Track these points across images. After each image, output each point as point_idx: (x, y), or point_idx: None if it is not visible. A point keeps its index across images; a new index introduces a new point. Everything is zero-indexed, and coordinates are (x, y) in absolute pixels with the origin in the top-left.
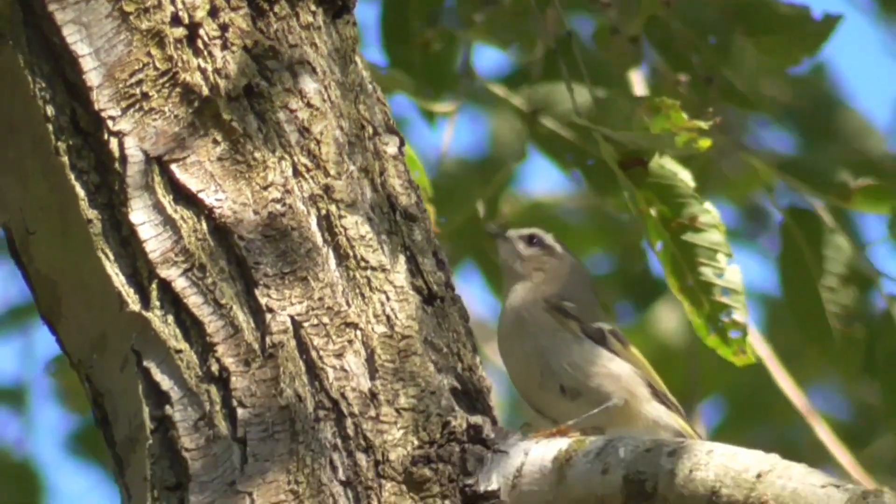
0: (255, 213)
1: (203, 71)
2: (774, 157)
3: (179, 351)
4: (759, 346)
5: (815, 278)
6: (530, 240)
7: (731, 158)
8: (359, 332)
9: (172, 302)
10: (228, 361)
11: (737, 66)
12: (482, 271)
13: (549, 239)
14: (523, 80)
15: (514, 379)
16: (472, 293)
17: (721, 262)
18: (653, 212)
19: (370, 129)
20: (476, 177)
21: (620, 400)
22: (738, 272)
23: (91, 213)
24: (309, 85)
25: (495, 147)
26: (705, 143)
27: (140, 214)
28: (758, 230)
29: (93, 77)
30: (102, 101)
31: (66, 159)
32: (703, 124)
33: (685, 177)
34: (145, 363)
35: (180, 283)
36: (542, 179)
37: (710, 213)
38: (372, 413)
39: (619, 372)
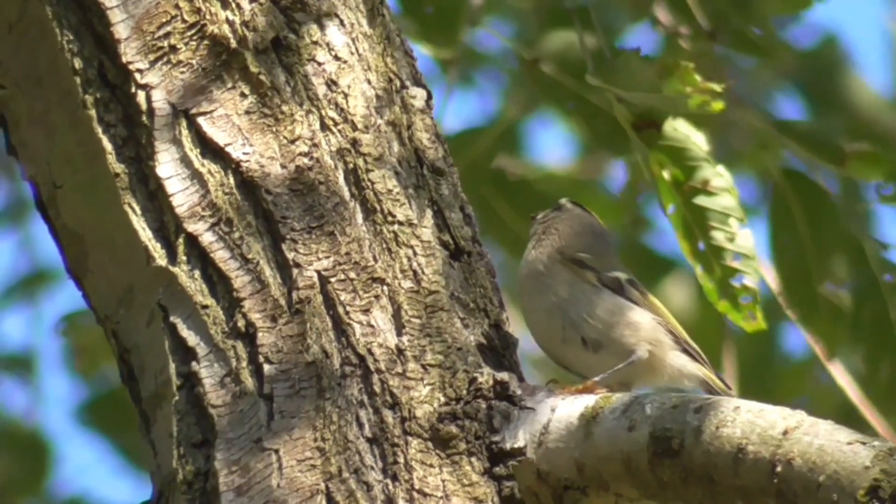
0: (283, 166)
1: (231, 23)
2: (775, 120)
3: (206, 306)
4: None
5: (804, 241)
6: (556, 207)
7: (738, 127)
8: (385, 288)
9: (199, 257)
10: (255, 317)
11: (749, 15)
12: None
13: (563, 201)
14: (526, 30)
15: (535, 334)
16: None
17: (733, 226)
18: (665, 174)
19: (398, 83)
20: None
21: (645, 352)
22: (749, 237)
23: (118, 167)
24: (337, 37)
25: (499, 99)
26: (718, 105)
27: (167, 168)
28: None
29: (121, 29)
30: (130, 53)
31: (93, 112)
32: (717, 86)
33: (698, 140)
34: (172, 318)
35: (207, 238)
36: (550, 152)
37: (722, 176)
38: (398, 369)
39: (641, 321)
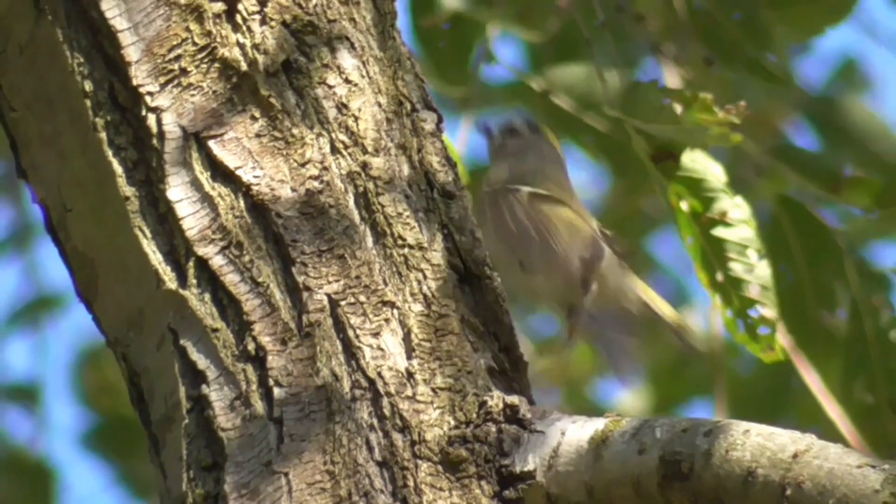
0: (293, 190)
1: (242, 46)
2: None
3: (216, 330)
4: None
5: (800, 269)
6: (509, 131)
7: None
8: (396, 311)
9: (209, 280)
10: (265, 340)
11: (764, 43)
12: None
13: (518, 124)
14: (539, 63)
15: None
16: None
17: (751, 257)
18: (683, 206)
19: (408, 106)
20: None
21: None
22: (767, 268)
23: (128, 190)
24: (347, 60)
25: None
26: (736, 137)
27: (177, 191)
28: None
29: (131, 52)
30: (141, 76)
31: (103, 135)
32: (735, 119)
33: (716, 171)
34: (182, 342)
35: (217, 261)
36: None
37: (740, 207)
38: (408, 392)
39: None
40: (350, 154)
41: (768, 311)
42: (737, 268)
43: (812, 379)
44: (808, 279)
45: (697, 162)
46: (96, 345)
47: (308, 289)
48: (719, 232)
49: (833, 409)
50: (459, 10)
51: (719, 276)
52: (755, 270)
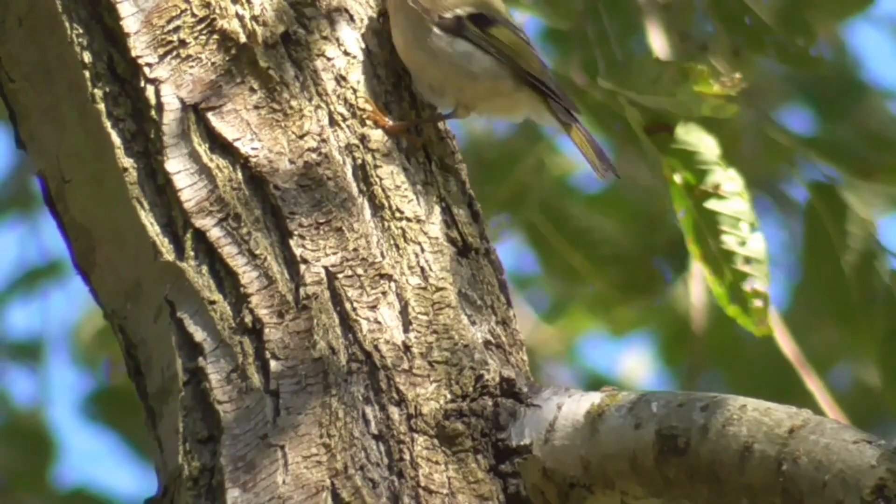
0: (291, 162)
1: (241, 18)
2: (794, 134)
3: (213, 302)
4: (777, 327)
5: (838, 254)
6: None
7: (749, 135)
8: (393, 284)
9: (207, 252)
10: (262, 313)
11: (794, 27)
12: (530, 242)
13: None
14: (566, 48)
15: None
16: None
17: (744, 230)
18: (677, 178)
19: (407, 79)
20: (521, 145)
21: (461, 110)
22: (760, 241)
23: (126, 162)
24: (346, 33)
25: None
26: (732, 109)
27: (176, 163)
28: (772, 207)
29: (130, 23)
30: (139, 47)
31: (102, 106)
32: (732, 91)
33: (710, 144)
34: (179, 314)
35: (215, 233)
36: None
37: (734, 180)
38: (405, 366)
39: (478, 69)
40: (348, 126)
41: (761, 284)
42: (729, 241)
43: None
44: (847, 265)
45: (691, 134)
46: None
47: (305, 261)
48: (712, 205)
49: (814, 384)
50: None
51: (712, 249)
52: (748, 243)
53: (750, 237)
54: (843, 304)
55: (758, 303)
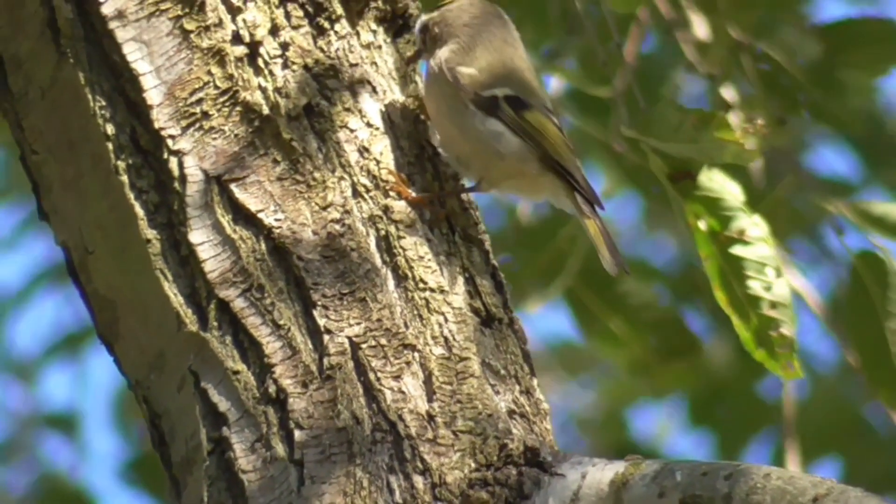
0: (315, 233)
1: (263, 90)
2: (838, 189)
3: (237, 372)
4: None
5: (881, 322)
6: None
7: (787, 184)
8: (417, 354)
9: (230, 322)
10: (286, 383)
11: (828, 87)
12: (569, 307)
13: (464, 2)
14: (604, 112)
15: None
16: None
17: (769, 275)
18: (701, 225)
19: (430, 150)
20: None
21: (476, 182)
22: (786, 286)
23: (150, 233)
24: (369, 104)
25: None
26: (754, 155)
27: (199, 234)
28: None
29: (153, 95)
30: (162, 119)
31: (125, 178)
32: (753, 139)
33: (734, 189)
34: (203, 384)
35: (239, 304)
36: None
37: (759, 226)
38: (429, 435)
39: (506, 149)
40: (372, 197)
41: (787, 328)
42: (755, 286)
43: None
44: (890, 330)
45: (715, 181)
46: None
47: (329, 331)
48: (737, 250)
49: None
50: None
51: (737, 295)
52: (773, 288)
53: (775, 282)
54: (886, 370)
55: (784, 347)
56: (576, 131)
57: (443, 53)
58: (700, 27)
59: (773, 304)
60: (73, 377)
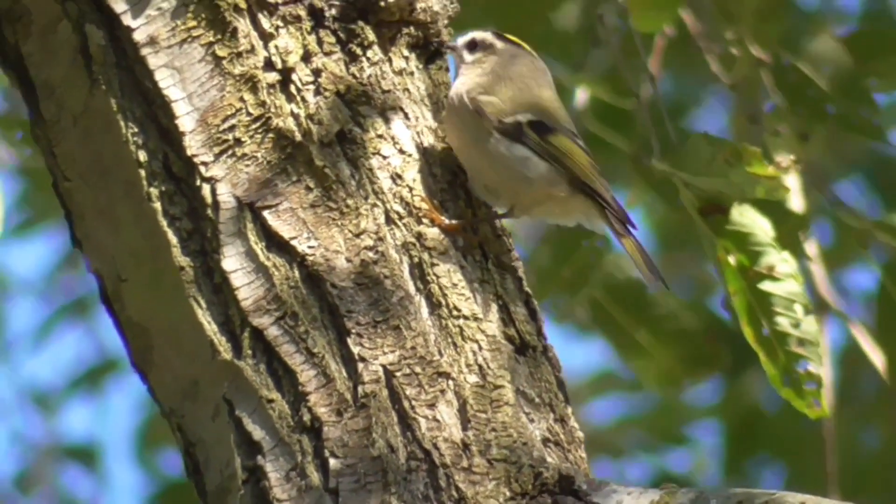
0: (348, 260)
1: (296, 116)
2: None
3: (271, 400)
4: None
5: None
6: (472, 45)
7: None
8: (451, 382)
9: (264, 350)
10: (321, 411)
11: (855, 97)
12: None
13: (488, 37)
14: (627, 123)
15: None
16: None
17: (798, 312)
18: (731, 260)
19: (462, 176)
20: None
21: (507, 209)
22: (814, 323)
23: (183, 261)
24: (401, 131)
25: None
26: (785, 190)
27: (232, 262)
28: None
29: (186, 122)
30: (195, 146)
31: (158, 205)
32: (784, 173)
33: (764, 225)
34: (237, 412)
35: (272, 332)
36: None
37: (787, 262)
38: (464, 464)
39: (531, 175)
40: (405, 224)
41: (814, 366)
42: (783, 322)
43: None
44: None
45: (746, 216)
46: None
47: (363, 359)
48: (766, 286)
49: None
50: None
51: (765, 331)
52: (802, 325)
53: (803, 319)
54: None
55: (811, 385)
56: (600, 143)
57: (463, 85)
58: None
59: (801, 341)
60: (94, 410)
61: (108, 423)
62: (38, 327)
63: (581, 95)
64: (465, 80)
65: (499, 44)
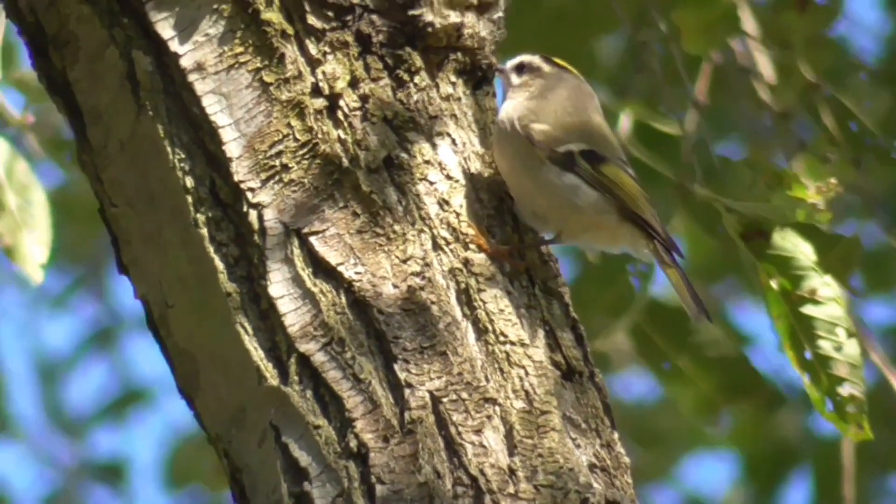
0: (395, 286)
1: (343, 142)
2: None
3: (318, 426)
4: None
5: None
6: (520, 68)
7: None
8: (497, 408)
9: (311, 376)
10: (367, 437)
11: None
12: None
13: (536, 60)
14: (672, 149)
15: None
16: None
17: (840, 335)
18: (773, 284)
19: (509, 202)
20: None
21: (554, 234)
22: (856, 346)
23: (230, 287)
24: (449, 156)
25: None
26: (826, 216)
27: (279, 287)
28: None
29: (233, 148)
30: (242, 172)
31: (205, 231)
32: (825, 197)
33: (806, 249)
34: (284, 438)
35: (319, 358)
36: None
37: (830, 286)
38: (511, 490)
39: (581, 203)
40: (451, 250)
41: (857, 389)
42: (825, 346)
43: None
44: None
45: (787, 240)
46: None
47: (410, 385)
48: (808, 310)
49: None
50: None
51: (808, 354)
52: (844, 349)
53: (846, 342)
54: None
55: (854, 408)
56: (644, 169)
57: (514, 110)
58: (769, 66)
59: (844, 365)
60: (121, 440)
61: (135, 451)
62: (67, 356)
63: (625, 121)
64: (514, 103)
65: (546, 67)
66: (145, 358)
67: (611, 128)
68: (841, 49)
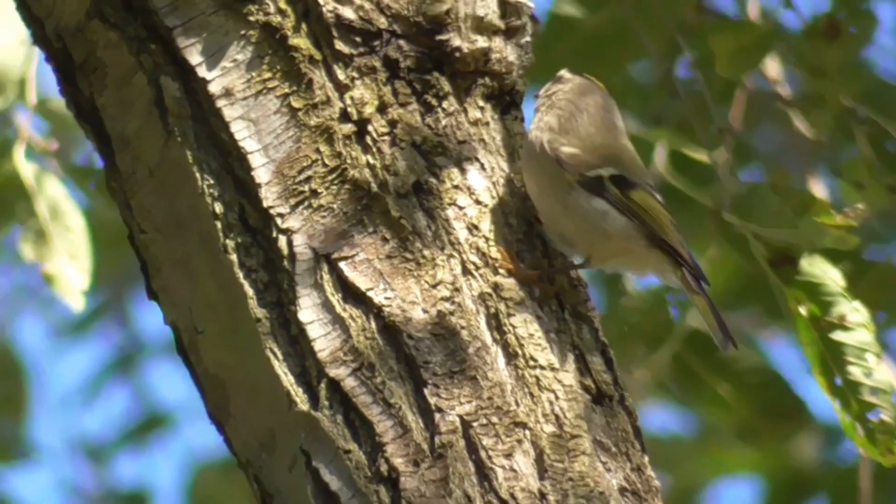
0: (425, 311)
1: (372, 167)
2: None
3: (348, 451)
4: None
5: None
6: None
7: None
8: (528, 432)
9: (341, 401)
10: (398, 462)
11: None
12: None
13: (561, 72)
14: (706, 177)
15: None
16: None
17: (870, 361)
18: (802, 310)
19: (538, 226)
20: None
21: (583, 259)
22: (886, 372)
23: (260, 312)
24: (477, 181)
25: None
26: (854, 241)
27: (309, 313)
28: None
29: (261, 174)
30: (271, 198)
31: (234, 257)
32: (853, 222)
33: (834, 275)
34: (314, 463)
35: (349, 383)
36: None
37: (859, 311)
38: None
39: (611, 227)
40: (481, 275)
41: (887, 414)
42: (855, 371)
43: None
44: None
45: (816, 266)
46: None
47: (440, 410)
48: (838, 336)
49: None
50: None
51: (838, 380)
52: (874, 374)
53: (875, 368)
54: None
55: (884, 433)
56: (677, 196)
57: (543, 132)
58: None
59: (874, 390)
60: (143, 466)
61: (156, 476)
62: (88, 383)
63: (660, 149)
64: (542, 122)
65: (568, 75)
66: (167, 383)
67: (644, 154)
68: (872, 74)
